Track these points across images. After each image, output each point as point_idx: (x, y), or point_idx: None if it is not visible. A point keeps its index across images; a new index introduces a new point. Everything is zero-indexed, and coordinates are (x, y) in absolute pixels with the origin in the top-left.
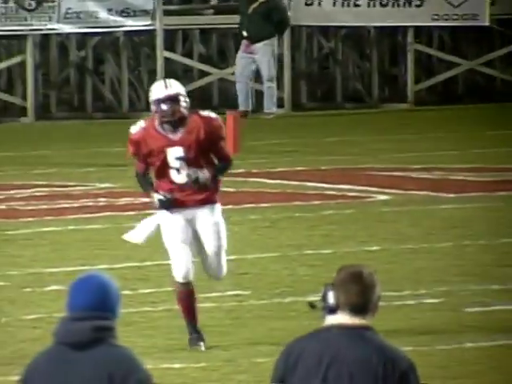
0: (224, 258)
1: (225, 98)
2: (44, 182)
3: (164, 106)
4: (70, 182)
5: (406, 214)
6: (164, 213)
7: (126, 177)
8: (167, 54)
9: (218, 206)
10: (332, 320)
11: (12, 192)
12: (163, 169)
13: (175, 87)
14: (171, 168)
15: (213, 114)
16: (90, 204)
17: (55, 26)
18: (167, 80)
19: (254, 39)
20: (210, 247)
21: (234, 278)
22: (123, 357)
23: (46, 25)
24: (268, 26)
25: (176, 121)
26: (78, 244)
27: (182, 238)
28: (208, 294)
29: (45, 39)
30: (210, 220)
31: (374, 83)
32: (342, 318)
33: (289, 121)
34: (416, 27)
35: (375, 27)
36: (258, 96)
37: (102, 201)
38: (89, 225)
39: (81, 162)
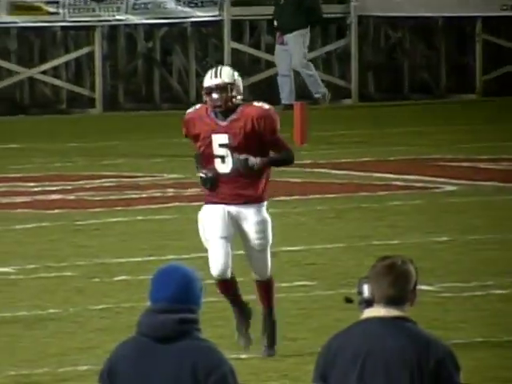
0: (268, 258)
1: (295, 89)
2: (112, 173)
3: (214, 95)
4: (137, 173)
5: (473, 204)
6: (207, 206)
7: (193, 167)
8: (234, 45)
9: (264, 204)
10: (368, 313)
11: (81, 182)
12: (208, 156)
13: (225, 76)
14: (216, 156)
15: (266, 105)
16: (158, 194)
17: (123, 16)
18: (219, 68)
19: (284, 30)
20: (254, 247)
21: (301, 268)
22: (208, 350)
23: (114, 16)
24: (299, 17)
25: (226, 109)
26: (146, 235)
27: (222, 234)
28: (276, 284)
29: (113, 30)
30: (255, 219)
31: (441, 73)
32: (377, 311)
33: (356, 111)
34: (484, 17)
35: (443, 17)
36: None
37: (170, 191)
38: (157, 215)
39: (149, 152)
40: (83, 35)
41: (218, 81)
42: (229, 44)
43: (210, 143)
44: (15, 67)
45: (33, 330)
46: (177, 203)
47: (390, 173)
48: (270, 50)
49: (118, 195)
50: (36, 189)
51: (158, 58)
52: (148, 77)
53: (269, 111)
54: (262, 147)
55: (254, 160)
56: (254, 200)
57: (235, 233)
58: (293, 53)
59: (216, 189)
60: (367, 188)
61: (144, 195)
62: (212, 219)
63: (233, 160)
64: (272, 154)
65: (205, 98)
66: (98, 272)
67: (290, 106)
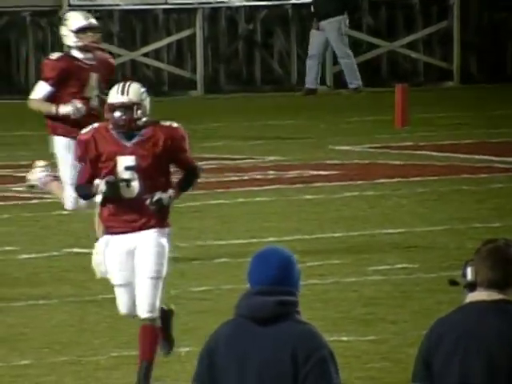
0: (160, 291)
1: (394, 71)
2: (212, 155)
3: (117, 113)
4: (238, 155)
5: None
6: (104, 249)
7: (294, 150)
8: None
9: (166, 231)
10: (471, 297)
11: None
12: None
13: (132, 94)
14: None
15: (175, 124)
16: (259, 177)
17: None
18: (127, 84)
19: (320, 16)
20: (147, 274)
21: (402, 251)
22: (308, 333)
23: None
24: (335, 3)
25: (128, 130)
26: (247, 217)
27: (124, 282)
28: (377, 267)
29: (214, 12)
30: (154, 243)
31: None
32: (480, 295)
33: (458, 93)
34: None
35: None
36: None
37: (271, 173)
38: (257, 197)
39: (249, 135)
40: (185, 18)
41: (123, 99)
42: None
43: (115, 166)
44: (117, 50)
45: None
46: (277, 185)
47: (492, 155)
48: (372, 31)
49: (218, 177)
50: None
51: (258, 40)
52: (249, 59)
53: (178, 130)
54: (176, 166)
55: (166, 197)
56: (154, 225)
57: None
58: (331, 41)
59: (116, 196)
60: (469, 170)
61: (245, 177)
62: (112, 263)
63: (148, 201)
64: (179, 176)
65: (106, 114)
66: (198, 254)
67: (312, 91)
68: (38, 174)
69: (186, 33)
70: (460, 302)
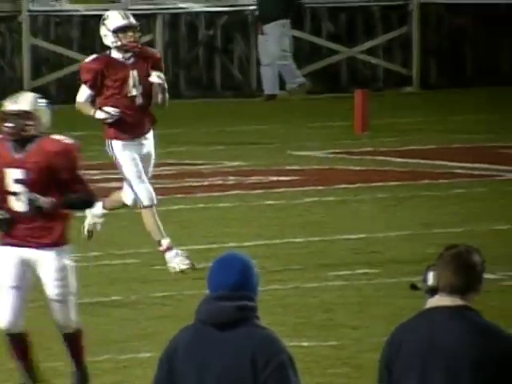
0: (72, 307)
1: (353, 77)
2: (173, 161)
3: (8, 123)
4: (199, 161)
5: None
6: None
7: (255, 155)
8: (294, 33)
9: (65, 248)
10: (432, 302)
11: None
12: (1, 193)
13: (24, 103)
14: (10, 193)
15: (68, 140)
16: (219, 182)
17: (184, 4)
18: (21, 94)
19: (264, 20)
20: (53, 296)
21: (363, 256)
22: (267, 338)
23: (175, 4)
24: (278, 7)
25: (19, 139)
26: (207, 222)
27: (12, 283)
28: (337, 273)
29: (174, 18)
30: (53, 266)
31: (504, 61)
32: (442, 300)
33: (417, 99)
34: None
35: (506, 4)
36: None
37: (231, 179)
38: (218, 203)
39: (210, 140)
40: (144, 23)
41: (14, 107)
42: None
43: (3, 178)
44: (77, 55)
45: (95, 317)
46: (238, 191)
47: (452, 160)
48: (331, 37)
49: (179, 183)
50: (96, 177)
51: (219, 46)
52: (209, 65)
53: (68, 146)
54: (61, 185)
55: (43, 200)
56: (52, 244)
57: (32, 280)
58: (270, 43)
59: (12, 230)
60: (429, 176)
61: (205, 183)
62: (4, 265)
63: (27, 198)
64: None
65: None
66: (159, 259)
67: (273, 96)
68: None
69: (145, 38)
70: (420, 309)
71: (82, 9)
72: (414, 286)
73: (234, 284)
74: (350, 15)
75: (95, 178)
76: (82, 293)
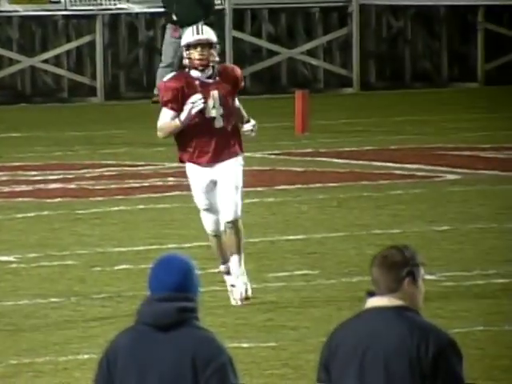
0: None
1: (293, 78)
2: (113, 162)
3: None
4: (139, 162)
5: (475, 193)
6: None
7: None
8: (236, 34)
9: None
10: (370, 303)
11: (82, 171)
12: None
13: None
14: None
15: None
16: (159, 183)
17: (124, 5)
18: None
19: (183, 23)
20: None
21: (302, 257)
22: (207, 339)
23: (115, 4)
24: (198, 10)
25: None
26: (147, 223)
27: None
28: (277, 274)
29: (114, 19)
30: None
31: (443, 62)
32: (378, 300)
33: (357, 100)
34: (487, 6)
35: (445, 6)
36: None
37: (171, 180)
38: (158, 204)
39: (149, 141)
40: (84, 24)
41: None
42: (230, 33)
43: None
44: (17, 56)
45: (34, 319)
46: (177, 192)
47: (392, 162)
48: (272, 38)
49: (118, 184)
50: (37, 177)
51: (158, 47)
52: (149, 66)
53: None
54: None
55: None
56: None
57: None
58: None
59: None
60: (368, 177)
61: (145, 184)
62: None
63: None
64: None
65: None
66: (99, 261)
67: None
68: None
69: (86, 39)
70: (360, 310)
71: (22, 9)
72: (370, 294)
73: (174, 285)
74: (290, 16)
75: (35, 178)
76: (20, 295)
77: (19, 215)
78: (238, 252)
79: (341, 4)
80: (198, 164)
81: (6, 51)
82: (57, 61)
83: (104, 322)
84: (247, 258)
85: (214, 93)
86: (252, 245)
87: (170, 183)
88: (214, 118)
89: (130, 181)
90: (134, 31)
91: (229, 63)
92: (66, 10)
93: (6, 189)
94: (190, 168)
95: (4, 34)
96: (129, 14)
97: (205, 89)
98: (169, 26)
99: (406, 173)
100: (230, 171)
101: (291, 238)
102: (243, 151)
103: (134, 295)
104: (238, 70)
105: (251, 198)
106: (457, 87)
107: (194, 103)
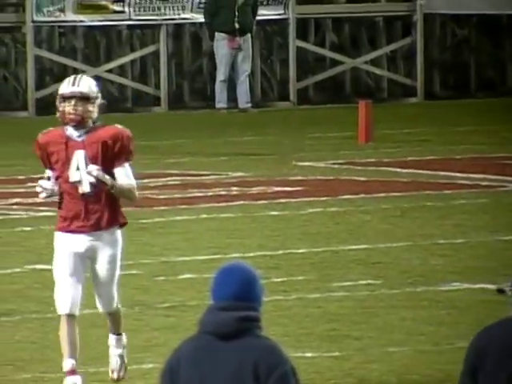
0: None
1: (357, 87)
2: (177, 171)
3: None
4: (202, 171)
5: None
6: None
7: (258, 166)
8: (299, 43)
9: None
10: None
11: (145, 181)
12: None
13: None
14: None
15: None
16: (223, 193)
17: (188, 15)
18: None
19: (243, 31)
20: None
21: (365, 267)
22: (269, 348)
23: (179, 14)
24: (252, 18)
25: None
26: (211, 233)
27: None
28: (340, 283)
29: (178, 29)
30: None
31: (507, 71)
32: None
33: (421, 110)
34: None
35: (508, 15)
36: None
37: (235, 190)
38: (221, 214)
39: (213, 151)
40: (148, 34)
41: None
42: (294, 42)
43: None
44: (81, 66)
45: (98, 329)
46: (241, 201)
47: (456, 171)
48: (335, 48)
49: (182, 193)
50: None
51: None
52: (213, 75)
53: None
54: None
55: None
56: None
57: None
58: (247, 56)
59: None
60: (432, 186)
61: (208, 193)
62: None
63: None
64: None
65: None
66: (162, 270)
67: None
68: None
69: (150, 49)
70: (423, 319)
71: (87, 19)
72: (500, 290)
73: (236, 294)
74: (354, 26)
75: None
76: (84, 304)
77: None
78: (118, 331)
79: (404, 13)
80: (70, 232)
81: (70, 61)
82: (121, 70)
83: (167, 331)
84: (310, 267)
85: (79, 153)
86: (315, 254)
87: (234, 193)
88: (78, 182)
89: (194, 190)
90: (198, 41)
91: (121, 126)
92: (130, 19)
93: None
94: (58, 237)
95: (69, 44)
96: (193, 24)
97: (70, 148)
98: (227, 36)
99: (469, 182)
100: (106, 257)
101: (354, 247)
102: (124, 222)
103: (198, 305)
104: (125, 135)
105: (315, 208)
106: None
107: (44, 188)
